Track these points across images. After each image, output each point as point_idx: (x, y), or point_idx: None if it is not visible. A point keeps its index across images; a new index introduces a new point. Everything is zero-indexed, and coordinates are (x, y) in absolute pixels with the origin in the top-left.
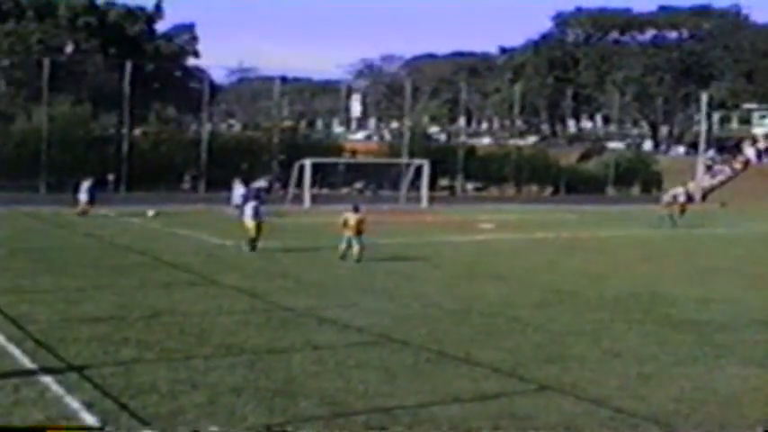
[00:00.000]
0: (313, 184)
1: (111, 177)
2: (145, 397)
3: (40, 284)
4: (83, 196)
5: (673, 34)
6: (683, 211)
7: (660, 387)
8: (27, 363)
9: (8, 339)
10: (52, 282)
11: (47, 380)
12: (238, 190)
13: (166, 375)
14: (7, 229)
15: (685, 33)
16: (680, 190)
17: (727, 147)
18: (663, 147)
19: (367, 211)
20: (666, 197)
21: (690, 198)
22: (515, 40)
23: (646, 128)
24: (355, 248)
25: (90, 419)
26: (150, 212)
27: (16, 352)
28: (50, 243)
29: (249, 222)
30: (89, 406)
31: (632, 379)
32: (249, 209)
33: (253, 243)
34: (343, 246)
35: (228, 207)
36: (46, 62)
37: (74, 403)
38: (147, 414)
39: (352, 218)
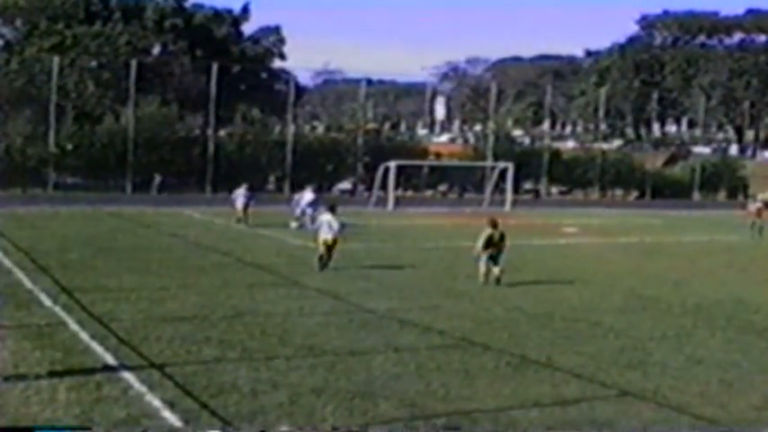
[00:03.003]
0: (396, 187)
1: (158, 178)
2: (226, 396)
3: (124, 283)
4: (239, 203)
5: (761, 38)
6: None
7: (742, 394)
8: (110, 360)
9: (92, 337)
10: (136, 281)
11: (129, 377)
12: (307, 196)
13: (248, 375)
14: (93, 229)
15: None
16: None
17: None
18: (749, 151)
19: (451, 213)
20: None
21: None
22: (601, 42)
23: (731, 132)
24: (496, 269)
25: (171, 418)
26: (293, 224)
27: (99, 349)
28: (135, 243)
29: (324, 238)
30: (171, 404)
31: (714, 386)
32: (325, 224)
33: (322, 261)
34: (483, 267)
35: (292, 213)
36: (133, 63)
37: (155, 401)
38: (227, 413)
39: (496, 234)
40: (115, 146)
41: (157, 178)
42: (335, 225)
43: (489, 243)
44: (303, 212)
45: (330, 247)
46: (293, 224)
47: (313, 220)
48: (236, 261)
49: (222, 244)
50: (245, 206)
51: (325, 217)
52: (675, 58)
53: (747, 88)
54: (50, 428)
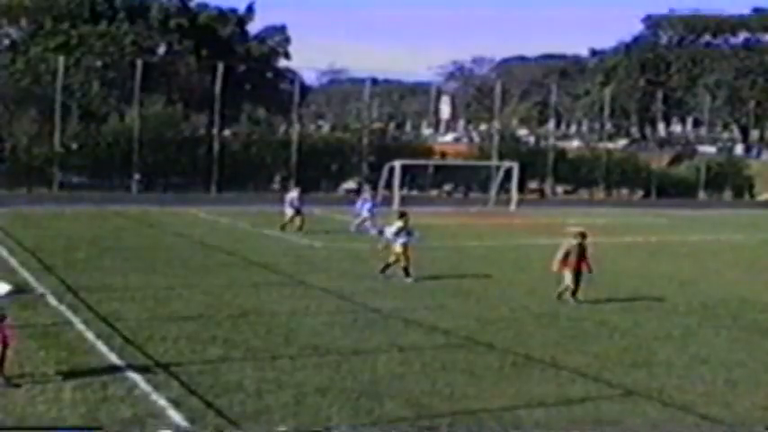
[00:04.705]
0: (402, 186)
1: (137, 177)
2: (231, 396)
3: (130, 283)
4: (288, 208)
5: (766, 37)
6: None
7: (747, 394)
8: (115, 360)
9: (97, 337)
10: (141, 280)
11: (135, 377)
12: (366, 202)
13: (253, 375)
14: (98, 228)
15: None
16: None
17: None
18: (754, 151)
19: (456, 213)
20: None
21: None
22: (606, 42)
23: (736, 131)
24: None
25: (176, 417)
26: (372, 230)
27: (105, 349)
28: (140, 242)
29: (398, 247)
30: (176, 404)
31: (719, 385)
32: (394, 231)
33: (387, 266)
34: (568, 284)
35: (354, 217)
36: (138, 63)
37: (161, 401)
38: (233, 413)
39: (575, 247)
40: (120, 145)
41: (136, 177)
42: (390, 232)
43: (567, 257)
44: (370, 215)
45: (394, 254)
46: (372, 230)
47: (374, 223)
48: (242, 260)
49: (227, 243)
50: (298, 211)
51: (395, 224)
52: (681, 57)
53: (753, 88)
54: (62, 429)
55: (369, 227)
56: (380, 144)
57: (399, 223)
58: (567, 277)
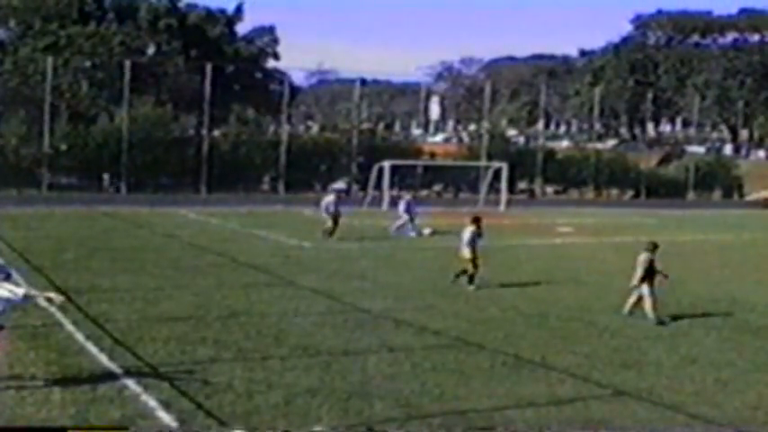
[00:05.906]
0: (391, 187)
1: (106, 177)
2: (221, 396)
3: (119, 284)
4: (325, 213)
5: (754, 37)
6: None
7: (737, 393)
8: (105, 361)
9: (87, 338)
10: (131, 281)
11: (124, 378)
12: (402, 204)
13: (243, 375)
14: (87, 229)
15: (767, 36)
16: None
17: None
18: (743, 151)
19: (446, 213)
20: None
21: None
22: (595, 42)
23: (725, 132)
24: (650, 301)
25: (167, 418)
26: (426, 231)
27: (94, 350)
28: (130, 243)
29: (466, 253)
30: (166, 405)
31: (709, 385)
32: (467, 236)
33: (471, 276)
34: (633, 299)
35: (396, 223)
36: (127, 64)
37: (151, 402)
38: (223, 413)
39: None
40: (109, 146)
41: (106, 177)
42: (466, 238)
43: (651, 271)
44: (410, 217)
45: (467, 262)
46: (425, 231)
47: (404, 225)
48: (231, 261)
49: (217, 244)
50: (336, 215)
51: (467, 229)
52: (669, 57)
53: (741, 88)
54: (89, 428)
55: (408, 229)
56: (370, 144)
57: (472, 228)
58: (645, 293)
